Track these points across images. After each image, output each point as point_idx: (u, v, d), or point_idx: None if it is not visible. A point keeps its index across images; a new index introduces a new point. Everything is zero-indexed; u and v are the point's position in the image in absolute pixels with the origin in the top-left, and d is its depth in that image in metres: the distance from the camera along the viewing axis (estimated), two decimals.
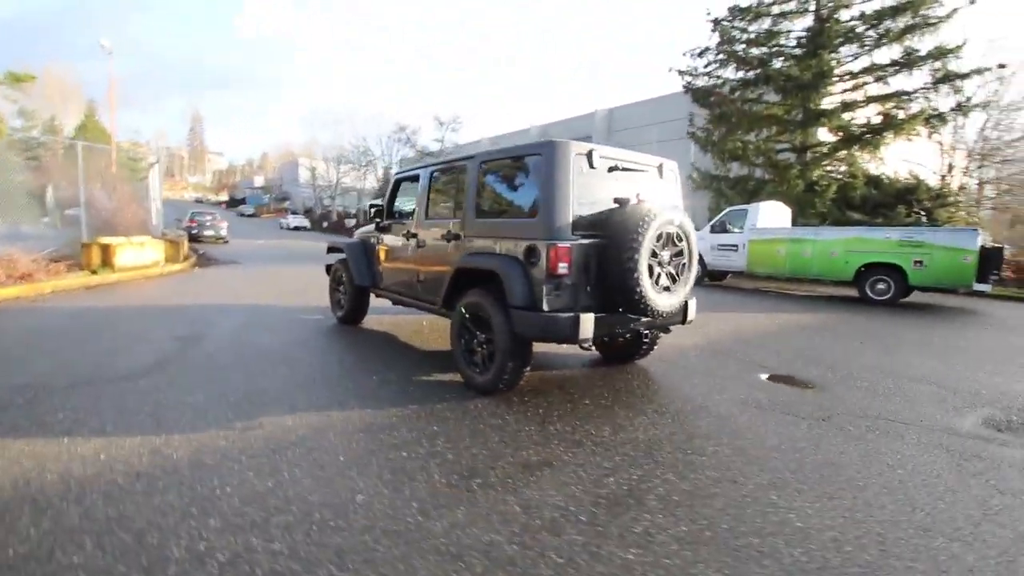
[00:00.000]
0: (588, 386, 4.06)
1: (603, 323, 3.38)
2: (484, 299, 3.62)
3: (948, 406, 3.94)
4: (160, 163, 14.98)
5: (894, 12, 15.51)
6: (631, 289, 3.30)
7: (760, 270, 11.58)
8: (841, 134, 16.55)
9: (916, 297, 10.58)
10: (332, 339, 5.40)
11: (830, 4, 16.75)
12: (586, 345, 3.35)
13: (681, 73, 19.81)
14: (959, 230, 9.64)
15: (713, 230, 12.48)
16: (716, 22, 18.70)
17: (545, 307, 3.26)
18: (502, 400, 3.65)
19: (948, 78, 14.95)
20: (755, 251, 11.51)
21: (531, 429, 3.17)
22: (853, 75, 16.90)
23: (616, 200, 3.52)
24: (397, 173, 5.26)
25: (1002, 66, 14.50)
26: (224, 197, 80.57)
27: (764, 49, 18.04)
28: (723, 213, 12.92)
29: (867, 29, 16.18)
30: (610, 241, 3.38)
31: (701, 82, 19.46)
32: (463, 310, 3.84)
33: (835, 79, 16.61)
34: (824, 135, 17.57)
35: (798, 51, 17.46)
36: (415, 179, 4.85)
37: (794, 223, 13.15)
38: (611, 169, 3.56)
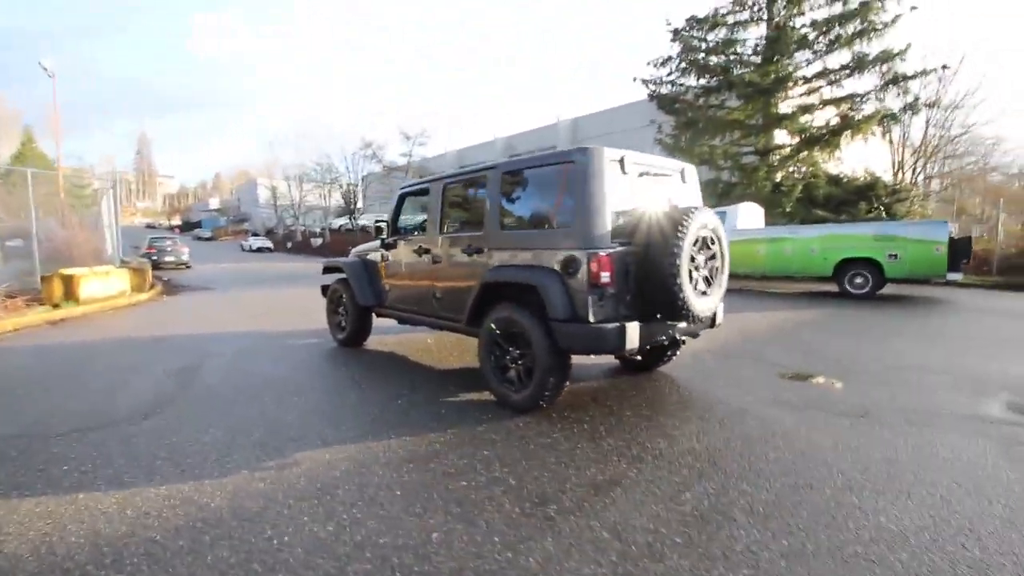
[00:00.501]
0: (621, 397, 3.96)
1: (645, 331, 3.29)
2: (517, 314, 3.48)
3: (967, 394, 4.03)
4: (116, 187, 14.17)
5: (843, 19, 16.37)
6: (673, 295, 3.24)
7: (741, 270, 11.83)
8: (801, 136, 17.26)
9: (892, 289, 11.03)
10: (339, 363, 5.13)
11: (783, 12, 17.54)
12: (632, 355, 3.25)
13: (645, 82, 20.30)
14: (930, 223, 10.12)
15: None
16: (676, 32, 19.30)
17: (592, 318, 3.15)
18: (541, 417, 3.51)
19: (896, 80, 15.84)
20: (736, 252, 11.73)
21: (584, 446, 3.04)
22: (807, 80, 17.71)
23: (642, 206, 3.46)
24: (403, 187, 5.07)
25: (945, 67, 15.47)
26: (177, 221, 77.44)
27: (723, 57, 18.70)
28: None
29: (819, 36, 17.01)
30: (649, 247, 3.31)
31: (665, 90, 19.98)
32: (493, 326, 3.69)
33: (792, 84, 17.33)
34: (783, 138, 18.31)
35: (756, 58, 18.19)
36: (424, 193, 4.68)
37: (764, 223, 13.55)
38: (641, 175, 3.51)
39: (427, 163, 34.84)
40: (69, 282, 8.64)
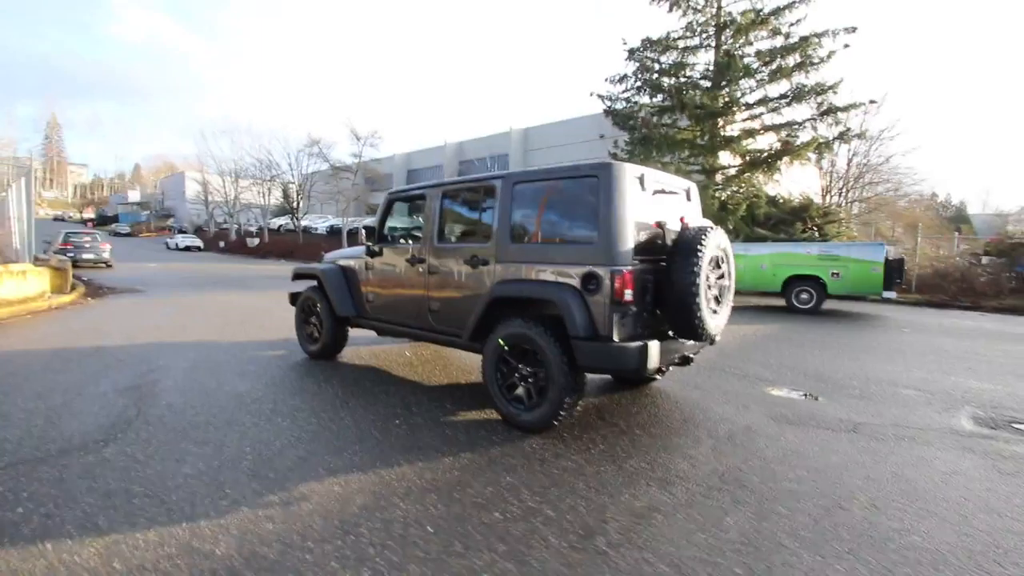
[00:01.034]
0: (625, 414, 3.91)
1: (664, 349, 3.26)
2: (531, 330, 3.35)
3: (938, 408, 4.32)
4: (31, 174, 12.64)
5: (784, 51, 17.54)
6: (691, 313, 3.23)
7: None
8: (744, 159, 18.29)
9: (831, 304, 11.82)
10: (317, 379, 4.75)
11: (730, 41, 18.56)
12: (651, 375, 3.20)
13: (601, 97, 20.82)
14: (868, 245, 10.95)
15: None
16: (631, 52, 19.96)
17: (615, 336, 3.07)
18: (553, 437, 3.39)
19: (831, 111, 17.14)
20: None
21: (608, 469, 2.94)
22: (749, 106, 18.82)
23: (657, 223, 3.45)
24: (392, 192, 4.79)
25: (872, 102, 16.94)
26: (90, 214, 70.78)
27: (675, 79, 19.52)
28: None
29: (762, 66, 18.12)
30: (669, 265, 3.29)
31: (620, 106, 20.57)
32: (501, 342, 3.53)
33: (738, 108, 18.36)
34: (727, 159, 19.33)
35: (705, 82, 19.12)
36: (419, 199, 4.45)
37: None
38: (655, 192, 3.49)
39: (373, 165, 33.83)
40: None
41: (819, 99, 17.43)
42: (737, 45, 18.24)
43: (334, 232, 32.79)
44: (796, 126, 17.96)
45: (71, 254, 16.34)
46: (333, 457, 3.02)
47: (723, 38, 18.66)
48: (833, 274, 10.33)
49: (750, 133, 18.53)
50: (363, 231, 4.75)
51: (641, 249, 3.29)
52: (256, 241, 35.59)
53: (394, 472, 2.84)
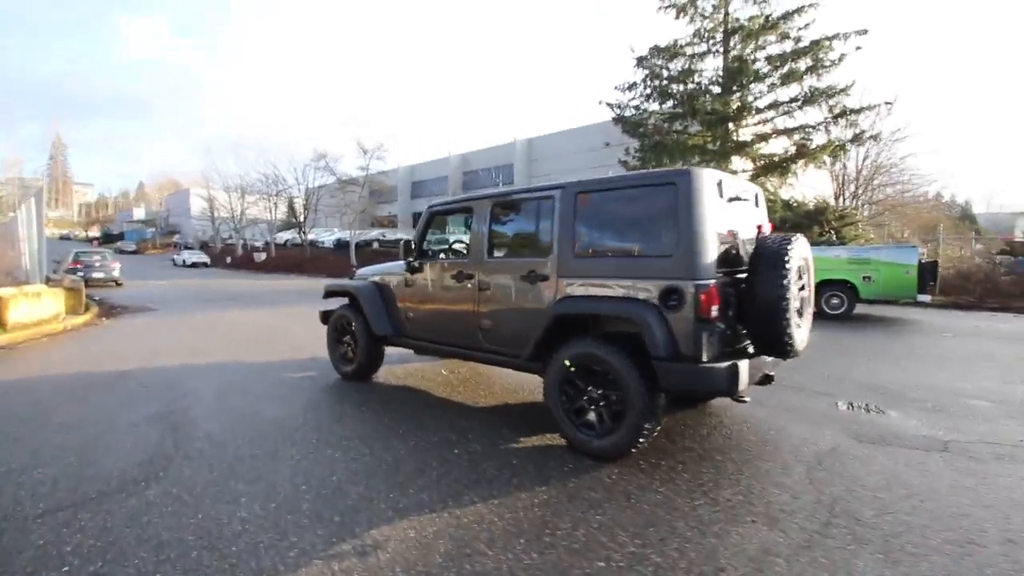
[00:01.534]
0: (696, 435, 3.65)
1: (752, 368, 3.01)
2: (603, 350, 3.10)
3: (1019, 421, 4.05)
4: (42, 193, 12.51)
5: (795, 55, 17.41)
6: (780, 329, 2.99)
7: None
8: (757, 163, 18.10)
9: (861, 309, 11.53)
10: (356, 402, 4.50)
11: (739, 47, 18.45)
12: (741, 397, 2.95)
13: (610, 105, 20.71)
14: (900, 247, 10.70)
15: None
16: (640, 59, 19.87)
17: (704, 357, 2.82)
18: (629, 465, 3.12)
19: (844, 113, 16.97)
20: None
21: (703, 503, 2.68)
22: (759, 110, 18.66)
23: (730, 232, 3.22)
24: (433, 205, 4.57)
25: (888, 103, 16.76)
26: (96, 232, 70.97)
27: (684, 85, 19.39)
28: None
29: (772, 70, 17.99)
30: (751, 277, 3.05)
31: (629, 113, 20.44)
32: (568, 363, 3.28)
33: (750, 113, 18.20)
34: (738, 163, 19.14)
35: (715, 88, 18.99)
36: (464, 211, 4.23)
37: None
38: (731, 199, 3.26)
39: (377, 177, 33.67)
40: None
41: (832, 102, 17.28)
42: (748, 51, 18.12)
43: (341, 246, 32.64)
44: (809, 129, 17.78)
45: (81, 273, 16.18)
46: (397, 494, 2.76)
47: (732, 44, 18.56)
48: (865, 278, 10.06)
49: (763, 137, 18.36)
50: (402, 245, 4.52)
51: (719, 261, 3.05)
52: (263, 256, 35.48)
53: (469, 512, 2.58)
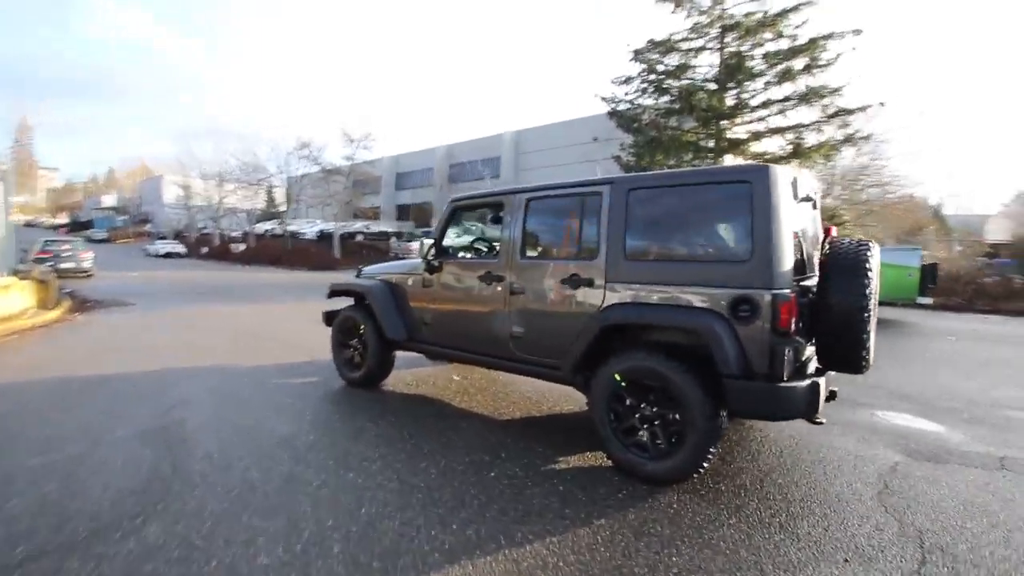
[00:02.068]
0: (746, 454, 3.38)
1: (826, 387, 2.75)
2: (664, 365, 2.80)
3: None
4: (7, 179, 11.69)
5: (791, 53, 17.35)
6: (858, 342, 2.74)
7: None
8: (758, 160, 18.05)
9: None
10: (370, 414, 4.11)
11: (735, 44, 18.33)
12: (820, 420, 2.68)
13: (605, 99, 20.44)
14: (903, 249, 10.68)
15: None
16: (636, 53, 19.61)
17: (784, 375, 2.54)
18: (687, 490, 2.83)
19: (838, 113, 17.00)
20: None
21: (782, 538, 2.40)
22: (753, 108, 18.60)
23: (795, 235, 2.95)
24: (456, 199, 4.20)
25: (882, 104, 16.81)
26: (63, 220, 68.15)
27: (679, 81, 19.22)
28: None
29: (768, 68, 17.92)
30: (826, 285, 2.79)
31: (623, 108, 20.20)
32: (618, 378, 2.98)
33: (747, 110, 18.13)
34: (731, 162, 19.09)
35: (710, 84, 18.85)
36: (492, 207, 3.88)
37: None
38: (801, 200, 2.98)
39: (362, 167, 32.80)
40: None
41: (825, 101, 17.29)
42: (744, 48, 18.00)
43: (324, 237, 31.81)
44: (803, 128, 17.79)
45: (50, 263, 15.29)
46: (439, 531, 2.42)
47: (728, 40, 18.43)
48: None
49: (757, 136, 18.32)
50: (423, 243, 4.15)
51: (795, 267, 2.77)
52: (242, 247, 34.38)
53: (527, 553, 2.26)
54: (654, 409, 2.91)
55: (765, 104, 18.42)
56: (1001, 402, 4.75)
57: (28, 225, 56.19)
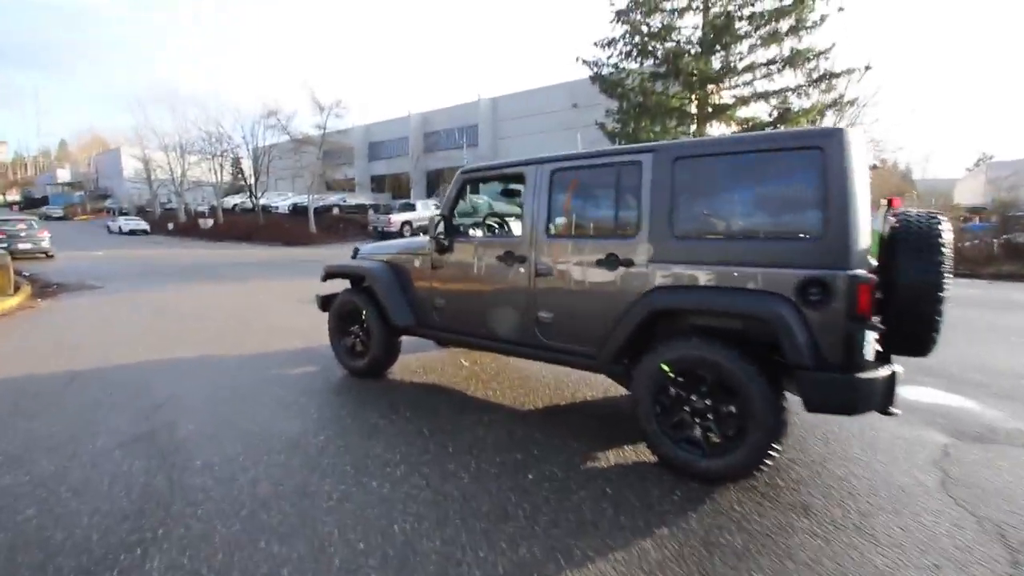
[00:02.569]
0: (790, 442, 3.19)
1: None
2: (717, 353, 2.54)
3: None
4: None
5: (778, 14, 16.95)
6: (931, 324, 2.52)
7: None
8: (741, 127, 17.80)
9: None
10: (381, 409, 3.78)
11: (720, 3, 17.78)
12: (895, 411, 2.46)
13: (587, 63, 19.77)
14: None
15: None
16: (619, 14, 18.91)
17: (863, 366, 2.30)
18: (742, 489, 2.62)
19: (824, 77, 16.79)
20: None
21: (863, 545, 2.20)
22: (738, 72, 18.24)
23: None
24: (467, 170, 3.78)
25: (868, 68, 16.64)
26: (15, 196, 64.33)
27: (664, 43, 18.66)
28: None
29: (754, 29, 17.50)
30: (894, 262, 2.54)
31: (607, 72, 19.60)
32: (666, 367, 2.71)
33: (734, 74, 17.77)
34: (717, 128, 18.80)
35: (694, 47, 18.35)
36: (513, 179, 3.51)
37: None
38: (871, 167, 2.70)
39: (334, 137, 31.38)
40: None
41: (811, 65, 17.05)
42: (732, 7, 17.49)
43: (298, 211, 30.65)
44: (789, 93, 17.57)
45: (5, 244, 14.23)
46: (489, 551, 2.15)
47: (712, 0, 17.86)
48: None
49: (743, 101, 18.03)
50: (434, 220, 3.76)
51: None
52: (210, 222, 32.94)
53: (593, 574, 2.01)
54: (707, 402, 2.66)
55: (751, 67, 18.08)
56: (1021, 371, 4.70)
57: None
